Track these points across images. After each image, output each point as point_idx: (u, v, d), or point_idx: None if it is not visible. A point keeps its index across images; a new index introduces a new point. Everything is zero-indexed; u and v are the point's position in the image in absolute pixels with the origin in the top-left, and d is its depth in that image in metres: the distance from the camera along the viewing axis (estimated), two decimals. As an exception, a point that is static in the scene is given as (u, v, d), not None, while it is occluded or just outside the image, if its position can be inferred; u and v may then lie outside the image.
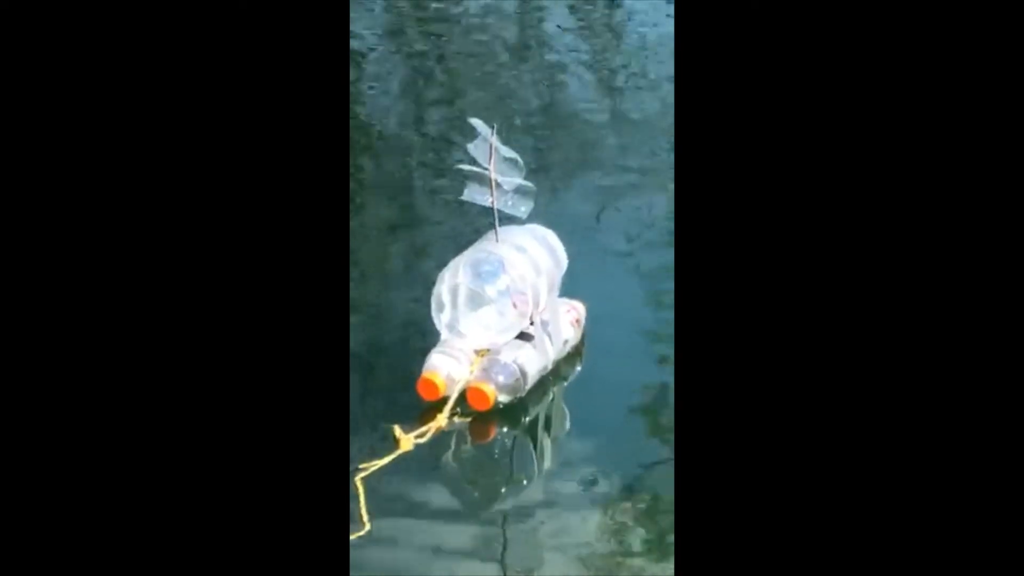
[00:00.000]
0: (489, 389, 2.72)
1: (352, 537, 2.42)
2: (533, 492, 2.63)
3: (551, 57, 4.38)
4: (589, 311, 2.95)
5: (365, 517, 2.48)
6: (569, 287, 2.92)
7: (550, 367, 2.84)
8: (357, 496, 2.51)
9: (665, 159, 3.64)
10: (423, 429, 2.68)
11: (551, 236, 2.91)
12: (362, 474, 2.57)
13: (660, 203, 3.46)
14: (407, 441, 2.66)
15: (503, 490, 2.66)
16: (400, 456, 2.63)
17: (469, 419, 2.73)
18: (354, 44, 4.35)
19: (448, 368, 2.74)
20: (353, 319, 2.90)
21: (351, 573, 1.95)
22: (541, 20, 4.65)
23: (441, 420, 2.70)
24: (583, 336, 2.93)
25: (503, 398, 2.75)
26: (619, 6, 4.70)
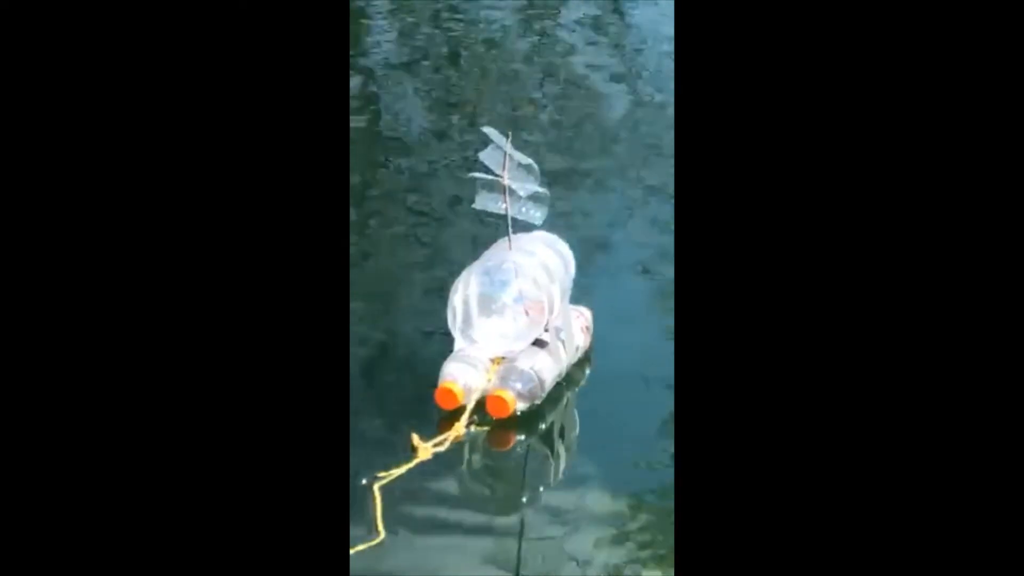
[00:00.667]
0: (509, 396, 2.72)
1: (365, 546, 2.42)
2: (548, 499, 2.63)
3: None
4: (596, 316, 2.96)
5: (380, 525, 2.48)
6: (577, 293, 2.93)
7: (564, 373, 2.85)
8: (373, 504, 2.51)
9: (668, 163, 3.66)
10: (441, 437, 2.68)
11: (559, 242, 2.92)
12: (380, 482, 2.56)
13: (664, 205, 3.49)
14: (425, 450, 2.66)
15: (524, 499, 2.66)
16: (418, 464, 2.63)
17: (487, 427, 2.74)
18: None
19: (465, 377, 2.74)
20: (366, 327, 2.92)
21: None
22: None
23: (459, 428, 2.70)
24: (591, 342, 2.94)
25: (521, 405, 2.75)
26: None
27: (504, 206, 2.76)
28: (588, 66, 4.37)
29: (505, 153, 2.73)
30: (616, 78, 4.32)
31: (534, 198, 2.76)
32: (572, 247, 2.93)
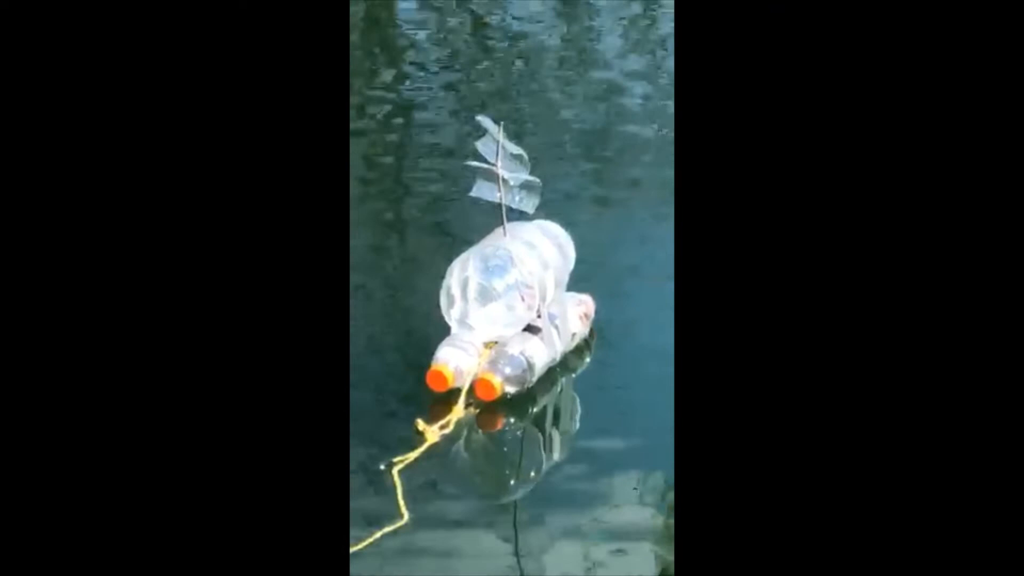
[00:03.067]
0: (496, 380, 2.77)
1: (392, 528, 2.47)
2: (542, 482, 2.67)
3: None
4: (598, 306, 3.01)
5: (403, 508, 2.52)
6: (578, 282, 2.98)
7: (558, 359, 2.89)
8: (394, 489, 2.56)
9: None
10: (444, 420, 2.73)
11: (558, 231, 2.95)
12: (397, 467, 2.61)
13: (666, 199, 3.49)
14: (432, 433, 2.71)
15: (512, 482, 2.71)
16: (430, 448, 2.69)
17: (477, 410, 2.78)
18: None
19: (456, 360, 2.79)
20: (360, 314, 2.96)
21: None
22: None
23: (459, 411, 2.75)
24: (592, 330, 2.98)
25: (510, 389, 2.79)
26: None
27: (499, 195, 2.81)
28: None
29: (498, 143, 2.78)
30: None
31: (526, 187, 2.80)
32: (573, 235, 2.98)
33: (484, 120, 2.80)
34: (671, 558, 2.38)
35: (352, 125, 3.81)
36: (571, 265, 2.94)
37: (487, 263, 2.84)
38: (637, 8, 4.88)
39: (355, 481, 2.49)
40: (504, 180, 2.79)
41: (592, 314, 2.98)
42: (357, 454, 2.52)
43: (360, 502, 2.41)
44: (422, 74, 4.42)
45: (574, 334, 2.92)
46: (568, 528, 2.51)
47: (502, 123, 2.79)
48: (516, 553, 2.46)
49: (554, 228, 2.95)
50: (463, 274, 2.84)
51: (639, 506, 2.56)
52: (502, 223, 2.84)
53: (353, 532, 2.34)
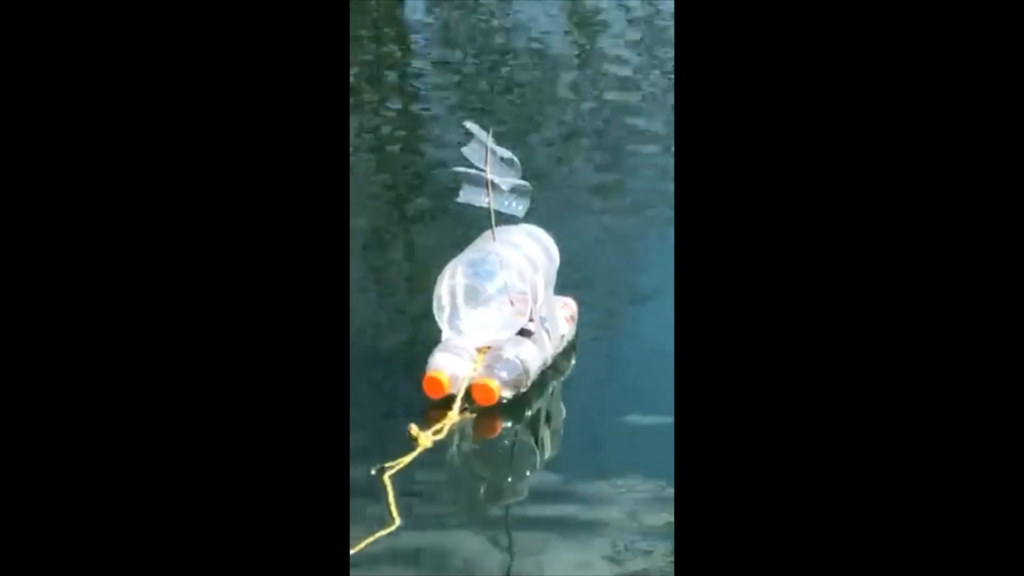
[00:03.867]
0: (494, 384, 2.78)
1: (385, 532, 2.48)
2: (535, 484, 2.69)
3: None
4: (581, 306, 3.03)
5: (395, 512, 2.53)
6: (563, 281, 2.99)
7: (549, 362, 2.90)
8: (386, 493, 2.57)
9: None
10: (439, 426, 2.74)
11: (543, 235, 2.97)
12: (389, 472, 2.62)
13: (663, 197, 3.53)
14: (426, 438, 2.71)
15: (506, 484, 2.72)
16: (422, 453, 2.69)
17: (474, 415, 2.79)
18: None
19: (452, 366, 2.80)
20: (354, 320, 2.96)
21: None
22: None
23: (454, 416, 2.76)
24: (576, 331, 3.00)
25: (506, 393, 2.81)
26: None
27: (487, 200, 2.82)
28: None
29: (487, 148, 2.79)
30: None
31: (516, 191, 2.81)
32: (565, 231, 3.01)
33: (472, 126, 2.81)
34: (670, 558, 2.40)
35: (351, 126, 3.84)
36: (556, 266, 2.95)
37: (476, 268, 2.86)
38: (641, 11, 4.92)
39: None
40: (494, 184, 2.79)
41: (576, 316, 3.00)
42: (353, 459, 2.49)
43: (354, 507, 2.39)
44: (422, 75, 4.44)
45: (562, 336, 2.94)
46: (562, 529, 2.52)
47: (491, 128, 2.80)
48: (509, 554, 2.47)
49: (539, 232, 2.96)
50: (452, 281, 2.85)
51: (636, 507, 2.56)
52: (491, 227, 2.85)
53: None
